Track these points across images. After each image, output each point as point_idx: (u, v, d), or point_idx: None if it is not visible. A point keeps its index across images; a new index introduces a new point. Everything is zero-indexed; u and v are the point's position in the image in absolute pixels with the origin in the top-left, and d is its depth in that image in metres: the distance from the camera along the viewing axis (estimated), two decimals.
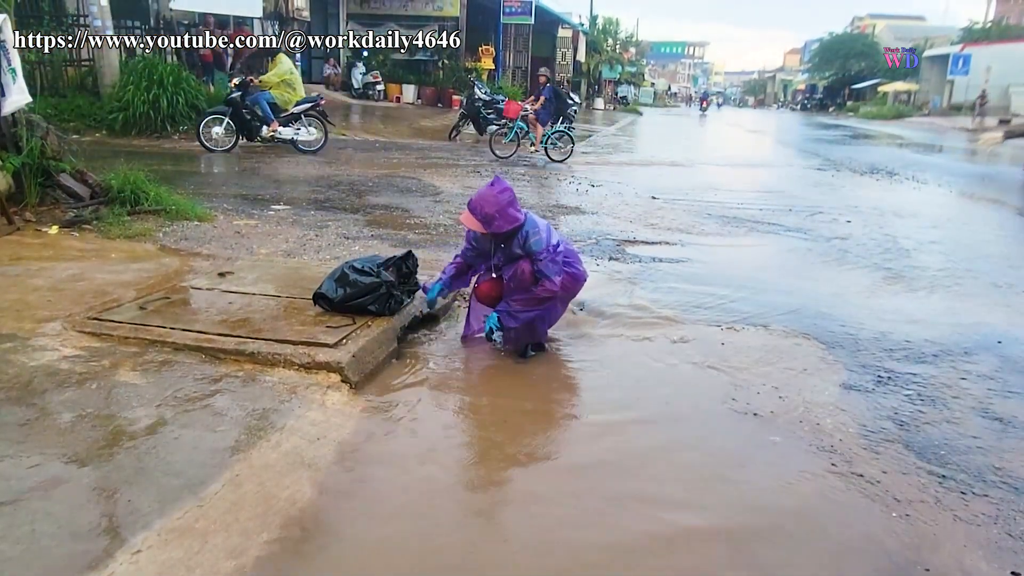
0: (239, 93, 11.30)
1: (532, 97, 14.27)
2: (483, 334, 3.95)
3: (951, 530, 2.48)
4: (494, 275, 3.92)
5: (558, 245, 3.83)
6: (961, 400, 3.53)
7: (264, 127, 11.55)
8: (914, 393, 3.58)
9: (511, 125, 13.61)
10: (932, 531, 2.47)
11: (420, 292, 4.14)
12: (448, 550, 2.30)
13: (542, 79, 14.12)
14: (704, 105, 51.86)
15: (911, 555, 2.35)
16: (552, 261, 3.74)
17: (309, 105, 11.81)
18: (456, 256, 4.14)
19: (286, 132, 11.68)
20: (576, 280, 3.96)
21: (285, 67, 11.87)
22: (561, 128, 13.65)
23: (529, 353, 3.88)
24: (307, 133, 11.87)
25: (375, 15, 23.72)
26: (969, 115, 29.78)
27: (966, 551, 2.38)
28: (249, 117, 11.49)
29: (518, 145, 13.55)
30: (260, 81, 11.73)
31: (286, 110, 11.68)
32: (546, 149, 13.33)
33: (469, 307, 4.15)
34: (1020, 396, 3.61)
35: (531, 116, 13.52)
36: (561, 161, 13.00)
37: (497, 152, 13.22)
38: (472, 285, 4.11)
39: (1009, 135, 12.37)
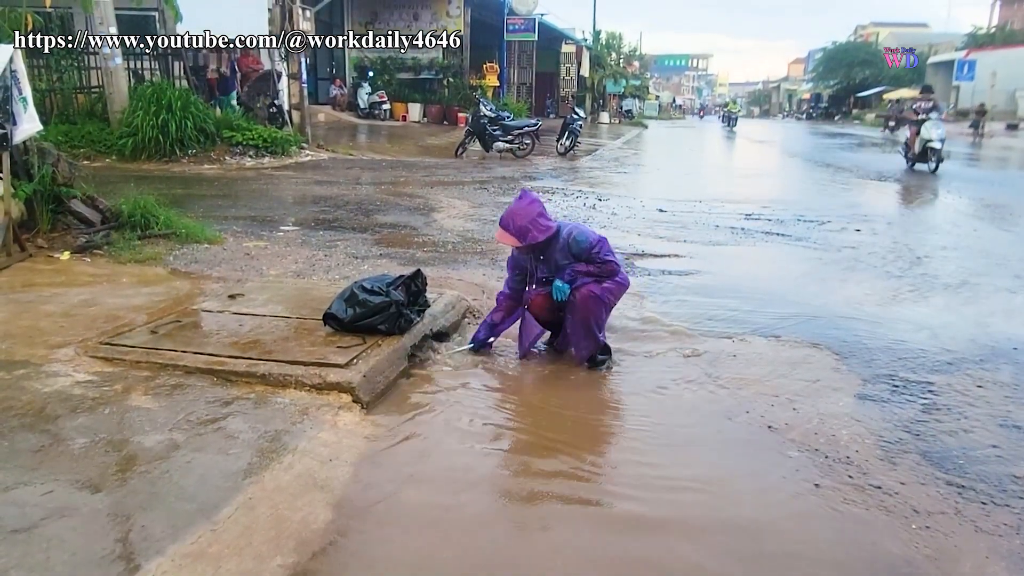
0: None
1: None
2: (538, 350, 4.07)
3: (972, 542, 2.44)
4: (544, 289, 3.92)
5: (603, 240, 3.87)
6: (978, 408, 3.49)
7: None
8: (930, 402, 3.54)
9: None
10: (953, 543, 2.43)
11: (429, 311, 4.13)
12: (463, 572, 2.28)
13: None
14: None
15: (932, 568, 2.31)
16: (608, 251, 3.79)
17: None
18: (499, 295, 4.10)
19: None
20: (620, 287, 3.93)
21: None
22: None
23: (599, 359, 3.89)
24: None
25: (380, 35, 23.91)
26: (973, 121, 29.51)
27: (988, 563, 2.34)
28: None
29: None
30: None
31: None
32: None
33: (522, 324, 4.03)
34: None
35: None
36: None
37: None
38: (524, 301, 4.04)
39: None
